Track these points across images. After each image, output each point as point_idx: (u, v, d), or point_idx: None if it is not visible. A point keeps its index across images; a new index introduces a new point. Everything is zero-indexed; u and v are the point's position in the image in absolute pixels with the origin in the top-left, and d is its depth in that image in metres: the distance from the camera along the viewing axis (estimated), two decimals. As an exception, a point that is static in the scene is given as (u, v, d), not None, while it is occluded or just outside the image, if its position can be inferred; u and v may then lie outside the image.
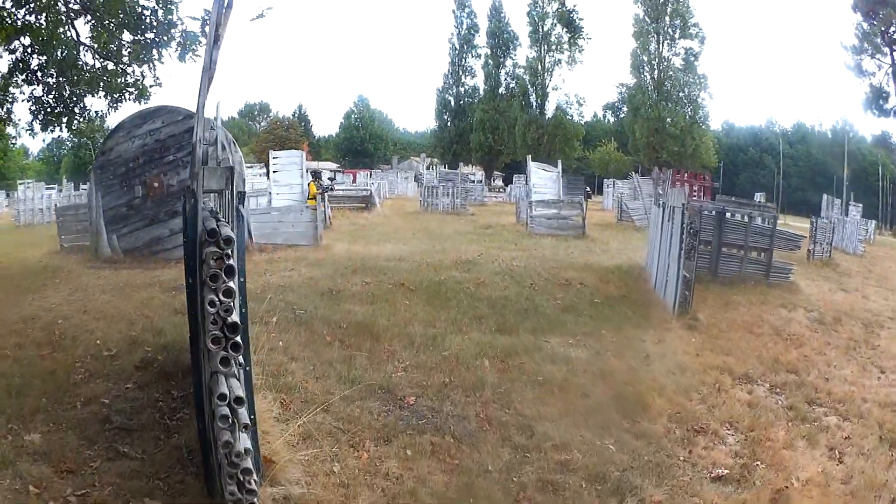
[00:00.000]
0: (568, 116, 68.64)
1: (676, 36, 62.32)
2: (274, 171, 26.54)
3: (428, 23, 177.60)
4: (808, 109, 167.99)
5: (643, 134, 61.92)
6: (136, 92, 12.67)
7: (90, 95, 12.77)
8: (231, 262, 3.69)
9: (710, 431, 6.95)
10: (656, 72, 62.86)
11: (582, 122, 72.65)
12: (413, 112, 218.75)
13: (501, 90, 73.63)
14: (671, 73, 62.18)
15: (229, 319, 3.69)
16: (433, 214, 31.23)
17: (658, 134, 61.10)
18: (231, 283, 3.69)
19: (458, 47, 76.89)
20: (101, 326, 8.97)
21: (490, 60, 74.28)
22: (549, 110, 68.59)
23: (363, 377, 7.45)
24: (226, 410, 3.78)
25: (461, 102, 76.85)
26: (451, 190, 34.26)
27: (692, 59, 62.27)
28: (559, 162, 32.48)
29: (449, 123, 76.90)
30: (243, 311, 4.10)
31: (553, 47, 68.07)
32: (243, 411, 3.87)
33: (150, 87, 12.73)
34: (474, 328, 9.85)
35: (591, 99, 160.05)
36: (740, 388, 8.40)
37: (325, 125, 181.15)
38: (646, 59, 63.00)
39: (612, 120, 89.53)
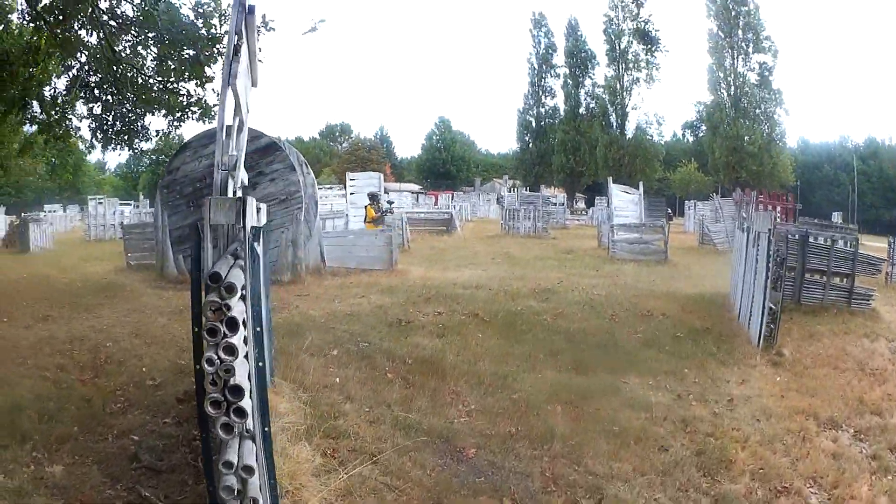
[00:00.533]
0: (648, 136, 67.91)
1: (750, 50, 61.75)
2: (351, 193, 26.66)
3: (507, 42, 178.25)
4: (880, 123, 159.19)
5: (722, 153, 60.96)
6: (198, 111, 12.46)
7: (150, 114, 12.62)
8: (232, 313, 3.04)
9: (793, 491, 6.27)
10: (733, 88, 62.03)
11: (661, 142, 71.91)
12: (495, 133, 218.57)
13: (581, 110, 72.87)
14: (747, 89, 61.27)
15: (231, 382, 3.06)
16: (514, 238, 30.69)
17: (736, 153, 60.14)
18: (233, 339, 3.05)
19: (536, 67, 76.53)
20: (150, 352, 8.60)
21: (569, 80, 73.67)
22: (629, 130, 68.03)
23: (421, 423, 6.81)
24: (231, 481, 3.19)
25: (542, 123, 76.29)
26: (532, 213, 33.79)
27: (766, 73, 61.43)
28: (640, 183, 31.78)
29: (530, 144, 76.53)
30: (260, 364, 3.48)
31: (631, 65, 67.57)
32: (254, 481, 3.28)
33: (214, 105, 12.49)
34: (549, 365, 9.21)
35: (669, 118, 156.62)
36: (825, 435, 7.69)
37: (407, 146, 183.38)
38: (722, 75, 62.31)
39: (690, 139, 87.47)
